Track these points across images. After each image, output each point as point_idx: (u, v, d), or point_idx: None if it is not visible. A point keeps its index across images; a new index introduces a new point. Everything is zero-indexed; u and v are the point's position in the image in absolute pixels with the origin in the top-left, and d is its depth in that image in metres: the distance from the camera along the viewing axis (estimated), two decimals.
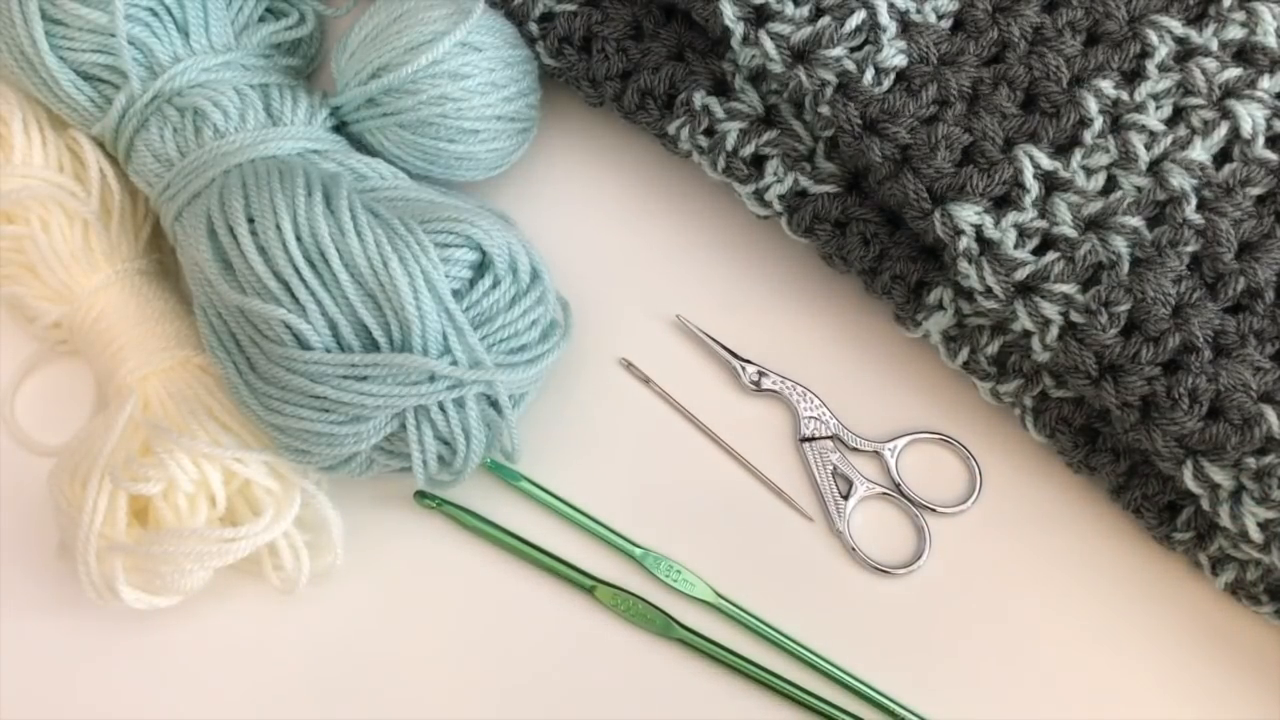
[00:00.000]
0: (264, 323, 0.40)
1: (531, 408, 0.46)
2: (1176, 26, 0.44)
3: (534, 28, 0.48)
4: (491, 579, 0.46)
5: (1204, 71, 0.43)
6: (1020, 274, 0.42)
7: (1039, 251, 0.42)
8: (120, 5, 0.43)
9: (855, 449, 0.48)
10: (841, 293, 0.49)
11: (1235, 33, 0.44)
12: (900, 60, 0.43)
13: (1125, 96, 0.43)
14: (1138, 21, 0.44)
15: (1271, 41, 0.44)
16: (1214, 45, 0.44)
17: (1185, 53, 0.44)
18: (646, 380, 0.48)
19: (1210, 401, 0.40)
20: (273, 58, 0.48)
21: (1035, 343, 0.43)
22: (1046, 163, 0.43)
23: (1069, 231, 0.42)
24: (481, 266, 0.43)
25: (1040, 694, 0.45)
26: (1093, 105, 0.43)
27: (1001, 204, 0.43)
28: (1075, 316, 0.42)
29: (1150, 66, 0.44)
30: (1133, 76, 0.44)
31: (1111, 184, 0.43)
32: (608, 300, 0.49)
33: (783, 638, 0.45)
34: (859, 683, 0.45)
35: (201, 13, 0.46)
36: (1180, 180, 0.42)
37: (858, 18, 0.43)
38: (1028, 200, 0.42)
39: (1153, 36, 0.44)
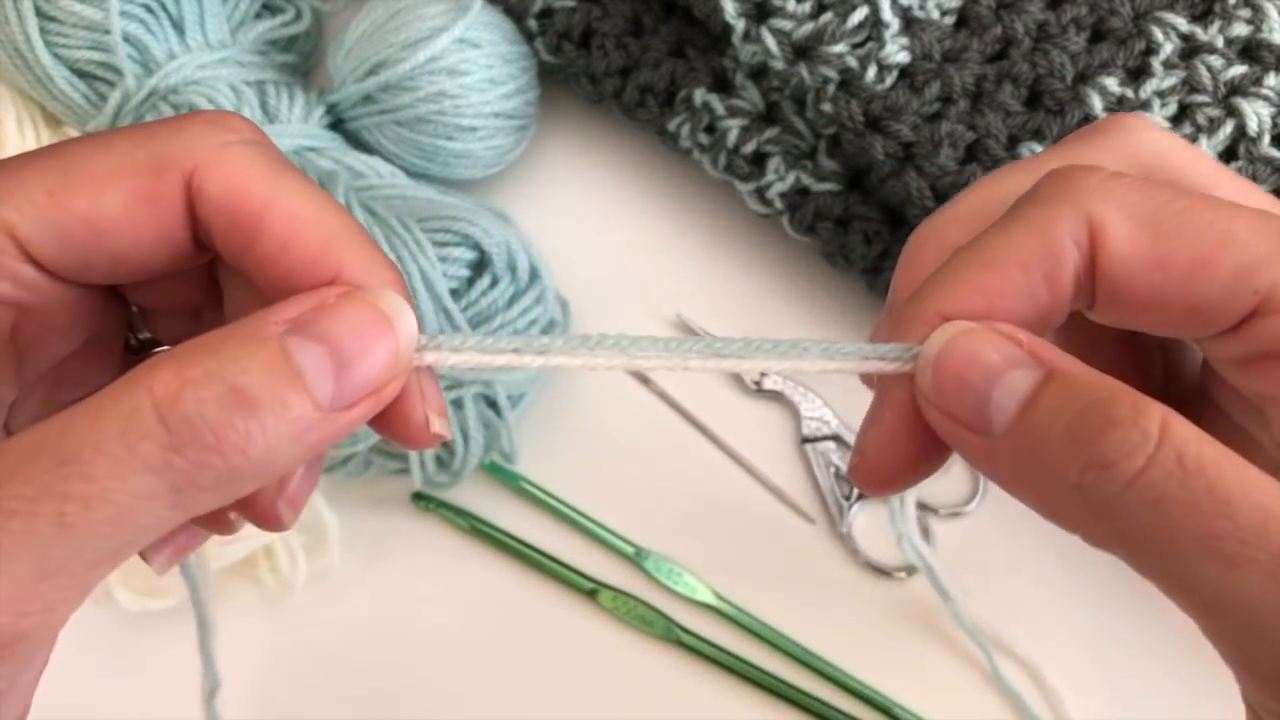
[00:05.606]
0: None
1: (531, 408, 0.46)
2: (1182, 23, 0.44)
3: (533, 23, 0.48)
4: (490, 582, 0.46)
5: (1209, 69, 0.43)
6: None
7: None
8: (115, 2, 0.43)
9: None
10: (843, 291, 0.49)
11: (1241, 30, 0.44)
12: (903, 57, 0.43)
13: (1130, 94, 0.43)
14: (1143, 18, 0.44)
15: (1277, 39, 0.44)
16: (1219, 42, 0.44)
17: (1190, 50, 0.44)
18: (646, 380, 0.48)
19: None
20: (269, 54, 0.48)
21: None
22: None
23: None
24: (480, 265, 0.42)
25: (1040, 694, 0.45)
26: (1097, 102, 0.43)
27: None
28: None
29: (1155, 64, 0.43)
30: (1138, 74, 0.43)
31: None
32: (608, 300, 0.49)
33: (784, 640, 0.45)
34: (859, 684, 0.44)
35: (197, 9, 0.45)
36: None
37: (860, 14, 0.43)
38: None
39: (1158, 33, 0.43)
